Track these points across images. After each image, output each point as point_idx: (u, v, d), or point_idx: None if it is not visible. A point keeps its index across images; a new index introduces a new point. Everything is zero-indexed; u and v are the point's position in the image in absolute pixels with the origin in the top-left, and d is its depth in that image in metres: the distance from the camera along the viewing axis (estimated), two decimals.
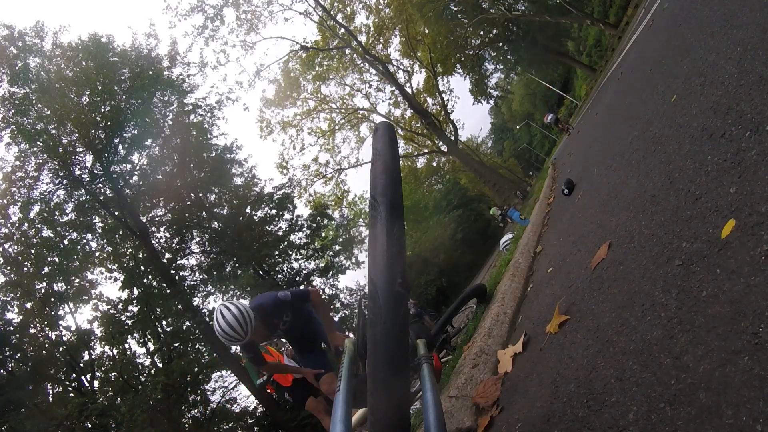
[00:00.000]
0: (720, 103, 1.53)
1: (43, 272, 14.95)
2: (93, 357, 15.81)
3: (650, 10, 7.88)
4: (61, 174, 14.64)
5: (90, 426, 12.27)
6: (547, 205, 5.26)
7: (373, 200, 0.74)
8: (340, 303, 19.45)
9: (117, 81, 15.11)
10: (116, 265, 15.92)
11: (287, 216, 19.56)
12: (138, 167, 16.18)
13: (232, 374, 15.14)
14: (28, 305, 15.18)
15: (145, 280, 15.84)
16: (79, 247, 15.31)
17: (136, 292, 15.46)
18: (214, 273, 16.95)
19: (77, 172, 14.89)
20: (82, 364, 15.43)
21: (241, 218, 18.44)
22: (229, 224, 17.88)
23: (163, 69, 16.71)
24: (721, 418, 0.64)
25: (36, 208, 14.66)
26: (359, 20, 32.05)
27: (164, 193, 16.66)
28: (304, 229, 19.88)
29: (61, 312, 15.66)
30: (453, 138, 29.45)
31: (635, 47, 7.53)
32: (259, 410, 15.95)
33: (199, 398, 15.39)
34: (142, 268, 15.85)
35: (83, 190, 15.01)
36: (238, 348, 3.02)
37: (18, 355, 14.65)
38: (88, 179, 14.97)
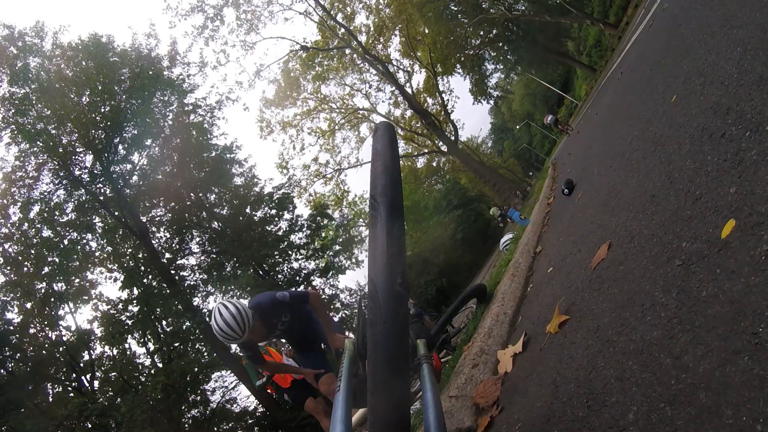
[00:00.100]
0: (720, 103, 1.53)
1: (43, 272, 14.95)
2: (93, 357, 15.80)
3: (650, 10, 7.87)
4: (61, 174, 14.64)
5: (90, 426, 12.26)
6: (547, 205, 5.26)
7: (373, 200, 0.74)
8: (340, 303, 19.46)
9: (117, 81, 15.11)
10: (116, 265, 15.93)
11: (287, 216, 19.58)
12: (138, 167, 16.19)
13: (232, 374, 15.13)
14: (28, 305, 15.17)
15: (145, 280, 15.84)
16: (79, 247, 15.31)
17: (136, 292, 15.47)
18: (214, 273, 16.96)
19: (77, 172, 14.90)
20: (82, 364, 15.42)
21: (241, 218, 18.44)
22: (229, 224, 17.88)
23: (163, 69, 16.71)
24: (721, 418, 0.64)
25: (36, 208, 14.67)
26: (359, 20, 32.09)
27: (164, 193, 16.66)
28: (304, 229, 19.88)
29: (61, 312, 15.67)
30: (453, 138, 29.45)
31: (635, 47, 7.53)
32: (259, 410, 15.95)
33: (199, 398, 15.39)
34: (142, 268, 15.86)
35: (83, 190, 15.01)
36: (238, 348, 3.03)
37: (18, 355, 14.65)
38: (88, 179, 14.98)
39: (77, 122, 14.09)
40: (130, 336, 15.52)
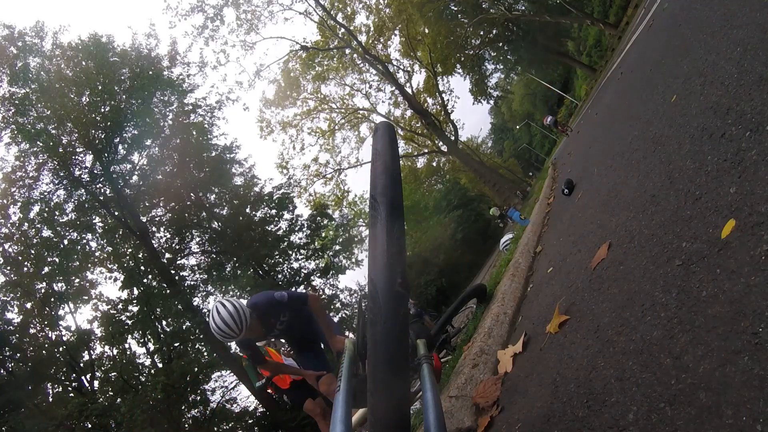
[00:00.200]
0: (720, 103, 1.53)
1: (43, 272, 14.96)
2: (93, 357, 15.80)
3: (650, 10, 7.87)
4: (61, 174, 14.65)
5: (90, 426, 12.26)
6: (547, 205, 5.25)
7: (373, 200, 0.74)
8: (340, 303, 19.47)
9: (117, 81, 15.12)
10: (116, 265, 15.93)
11: (287, 216, 19.61)
12: (138, 167, 16.21)
13: (232, 374, 15.15)
14: (28, 305, 15.17)
15: (145, 280, 15.85)
16: (79, 247, 15.32)
17: (136, 292, 15.47)
18: (214, 273, 16.97)
19: (77, 172, 14.92)
20: (82, 364, 15.42)
21: (241, 218, 18.45)
22: (229, 224, 17.89)
23: (163, 69, 16.73)
24: (721, 418, 0.64)
25: (36, 208, 14.69)
26: (359, 20, 32.00)
27: (164, 193, 16.67)
28: (304, 229, 19.90)
29: (61, 312, 15.67)
30: (453, 138, 29.45)
31: (635, 47, 7.52)
32: (259, 410, 15.96)
33: (199, 398, 15.40)
34: (142, 268, 15.87)
35: (83, 190, 15.02)
36: (239, 347, 3.03)
37: (18, 355, 14.65)
38: (88, 179, 14.99)
39: (77, 122, 14.10)
40: (130, 336, 15.52)
